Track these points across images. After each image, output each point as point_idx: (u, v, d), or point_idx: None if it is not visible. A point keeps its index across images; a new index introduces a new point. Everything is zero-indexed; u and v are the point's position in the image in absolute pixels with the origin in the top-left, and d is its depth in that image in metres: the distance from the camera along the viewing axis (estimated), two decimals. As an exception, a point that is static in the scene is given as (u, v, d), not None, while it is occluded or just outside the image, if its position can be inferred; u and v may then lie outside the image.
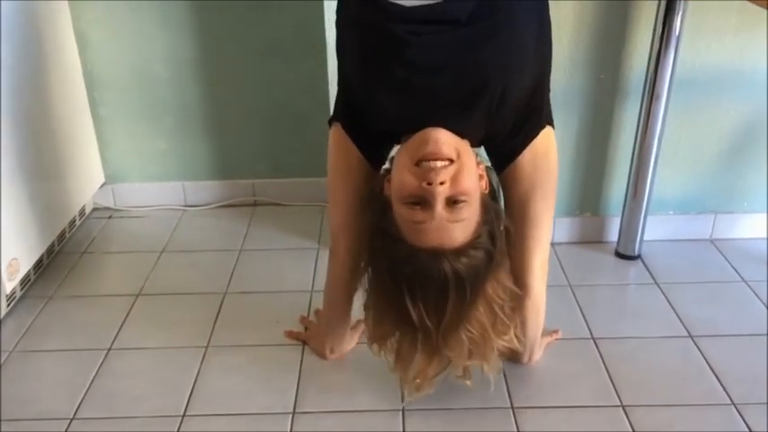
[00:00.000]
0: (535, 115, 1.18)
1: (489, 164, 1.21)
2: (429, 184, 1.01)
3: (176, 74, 2.00)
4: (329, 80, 1.58)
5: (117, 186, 2.13)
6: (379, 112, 1.14)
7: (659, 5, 1.58)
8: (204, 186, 2.15)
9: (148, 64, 1.99)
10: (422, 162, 1.03)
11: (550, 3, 1.61)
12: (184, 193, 2.15)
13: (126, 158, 2.11)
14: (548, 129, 1.21)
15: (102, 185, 2.10)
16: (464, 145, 1.10)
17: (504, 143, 1.19)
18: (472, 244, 1.06)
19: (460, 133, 1.10)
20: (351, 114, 1.21)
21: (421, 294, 1.06)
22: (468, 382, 1.22)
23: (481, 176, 1.11)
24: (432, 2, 1.05)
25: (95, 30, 1.94)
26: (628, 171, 1.78)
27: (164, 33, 1.95)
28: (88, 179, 2.02)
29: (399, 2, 1.06)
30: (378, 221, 1.11)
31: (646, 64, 1.65)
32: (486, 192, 1.13)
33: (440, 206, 1.02)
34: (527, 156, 1.18)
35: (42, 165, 1.77)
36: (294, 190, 2.12)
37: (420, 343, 1.12)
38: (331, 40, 1.44)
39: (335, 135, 1.24)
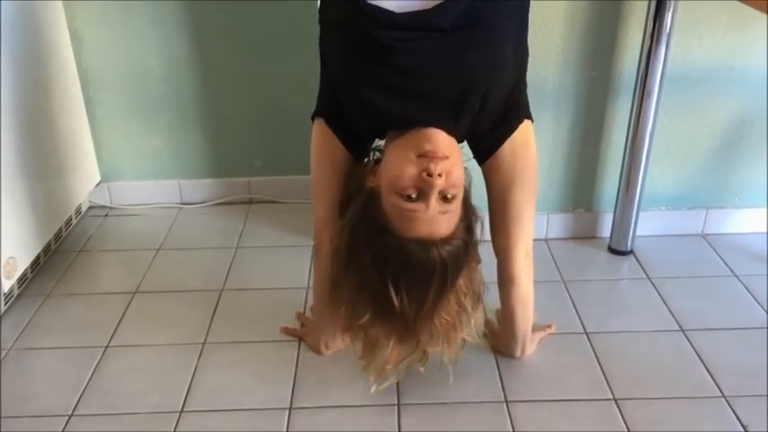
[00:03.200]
0: (513, 111, 1.22)
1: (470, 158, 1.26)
2: (429, 175, 1.05)
3: (171, 72, 2.01)
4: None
5: (113, 185, 2.13)
6: (365, 108, 1.16)
7: (650, 3, 1.59)
8: (200, 184, 2.16)
9: (143, 62, 1.99)
10: (421, 157, 1.08)
11: (542, 1, 1.64)
12: (180, 192, 2.16)
13: (121, 157, 2.12)
14: (526, 122, 1.24)
15: (98, 184, 2.11)
16: (454, 142, 1.14)
17: (485, 137, 1.23)
18: (454, 234, 1.10)
19: (449, 131, 1.13)
20: (334, 110, 1.23)
21: (405, 282, 1.10)
22: (422, 369, 1.26)
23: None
24: (419, 9, 1.07)
25: (89, 29, 1.94)
26: (620, 167, 1.79)
27: (158, 32, 1.96)
28: (84, 178, 2.03)
29: (387, 8, 1.08)
30: (362, 213, 1.14)
31: (637, 61, 1.67)
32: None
33: (434, 197, 1.07)
34: (507, 148, 1.22)
35: (38, 164, 1.77)
36: (289, 187, 2.13)
37: (396, 330, 1.17)
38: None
39: (318, 130, 1.27)
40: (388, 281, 1.10)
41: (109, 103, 2.05)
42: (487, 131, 1.21)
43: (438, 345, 1.22)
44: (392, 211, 1.10)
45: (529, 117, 1.25)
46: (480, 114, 1.16)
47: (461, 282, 1.17)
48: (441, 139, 1.10)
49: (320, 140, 1.27)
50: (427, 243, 1.08)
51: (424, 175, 1.06)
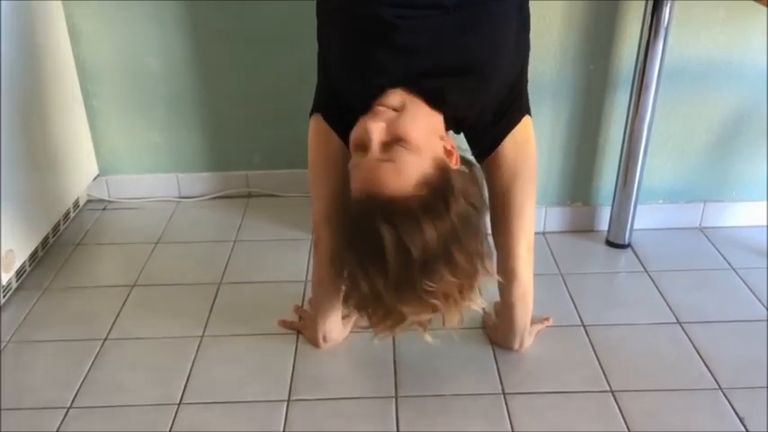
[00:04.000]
0: (515, 104, 1.22)
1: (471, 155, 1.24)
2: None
3: (169, 66, 2.01)
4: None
5: (111, 178, 2.13)
6: (366, 93, 1.14)
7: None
8: (198, 178, 2.15)
9: (141, 56, 1.99)
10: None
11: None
12: (178, 185, 2.16)
13: (119, 150, 2.11)
14: (526, 118, 1.25)
15: (96, 177, 2.11)
16: (417, 102, 1.11)
17: (486, 131, 1.22)
18: (408, 194, 1.04)
19: (439, 104, 1.12)
20: (332, 105, 1.23)
21: (360, 251, 1.08)
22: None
23: (450, 152, 1.12)
24: None
25: (87, 23, 1.94)
26: (618, 161, 1.80)
27: (156, 27, 1.95)
28: (82, 171, 2.03)
29: None
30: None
31: (635, 55, 1.67)
32: (456, 168, 1.12)
33: (375, 144, 1.06)
34: (508, 144, 1.22)
35: (37, 157, 1.78)
36: (287, 181, 2.13)
37: (371, 306, 1.11)
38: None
39: (315, 125, 1.27)
40: (349, 250, 1.09)
41: (107, 97, 2.04)
42: (489, 124, 1.21)
43: (431, 315, 1.14)
44: (350, 172, 1.11)
45: (529, 113, 1.26)
46: (477, 97, 1.15)
47: (458, 258, 1.07)
48: (393, 96, 1.09)
49: (317, 136, 1.28)
50: (372, 206, 1.04)
51: (366, 125, 1.07)
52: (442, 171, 1.08)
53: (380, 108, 1.09)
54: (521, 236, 1.28)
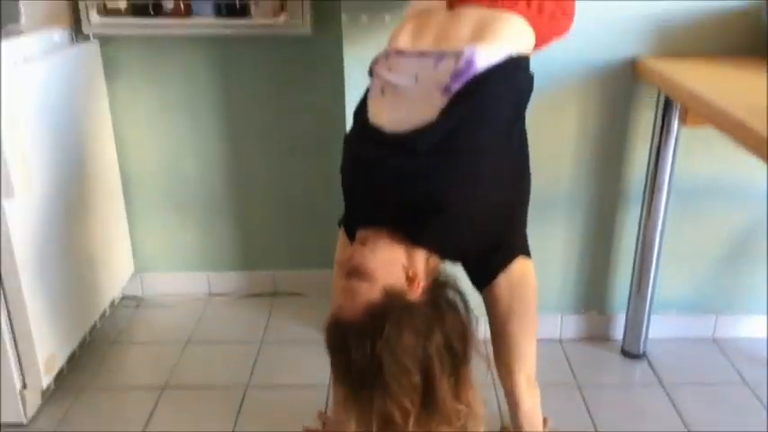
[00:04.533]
0: (507, 247, 1.25)
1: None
2: None
3: (205, 171, 2.14)
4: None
5: (145, 275, 2.24)
6: (364, 219, 1.26)
7: (656, 119, 1.70)
8: (227, 276, 2.25)
9: (179, 160, 2.13)
10: None
11: (555, 115, 1.74)
12: (209, 283, 2.26)
13: (155, 249, 2.23)
14: (522, 259, 1.26)
15: (132, 275, 2.21)
16: (379, 236, 1.19)
17: (478, 266, 1.27)
18: (355, 324, 1.12)
19: (406, 234, 1.19)
20: (348, 219, 1.34)
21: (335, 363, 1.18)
22: None
23: (412, 281, 1.17)
24: (406, 130, 1.17)
25: (133, 131, 2.09)
26: (631, 271, 1.87)
27: (196, 135, 2.10)
28: (120, 270, 2.14)
29: (383, 127, 1.20)
30: None
31: (645, 172, 1.77)
32: (416, 295, 1.16)
33: (343, 272, 1.19)
34: (502, 282, 1.25)
35: (79, 258, 1.88)
36: (312, 281, 2.22)
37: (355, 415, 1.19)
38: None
39: (340, 236, 1.38)
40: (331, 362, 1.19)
41: (146, 199, 2.18)
42: (481, 260, 1.25)
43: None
44: None
45: (526, 253, 1.28)
46: (455, 236, 1.20)
47: (387, 374, 1.10)
48: (365, 230, 1.22)
49: (339, 246, 1.38)
50: (335, 327, 1.15)
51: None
52: (390, 298, 1.14)
53: (358, 240, 1.22)
54: (519, 370, 1.30)
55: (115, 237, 2.11)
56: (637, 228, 1.83)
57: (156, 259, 2.24)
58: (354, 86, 1.68)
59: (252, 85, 2.05)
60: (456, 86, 1.15)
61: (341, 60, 1.74)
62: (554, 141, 1.79)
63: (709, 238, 1.89)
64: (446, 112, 1.15)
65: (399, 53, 1.24)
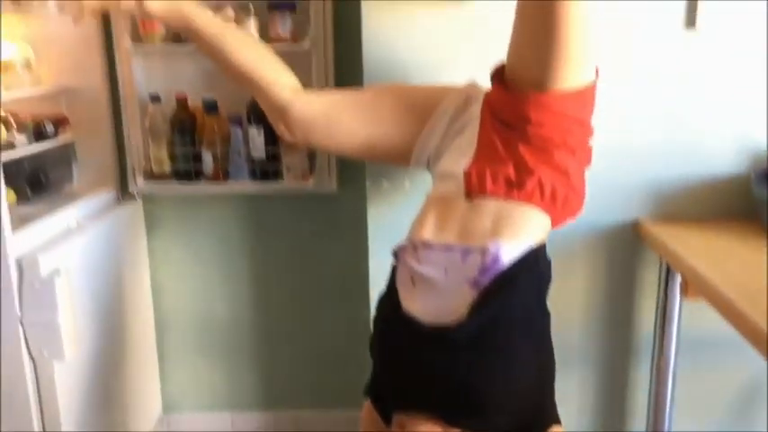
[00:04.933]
0: (539, 419, 1.31)
1: None
2: None
3: (235, 317, 2.27)
4: (370, 326, 1.79)
5: (171, 417, 2.31)
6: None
7: (660, 278, 1.80)
8: (250, 417, 2.32)
9: (211, 309, 2.26)
10: None
11: (564, 269, 1.84)
12: (232, 424, 2.32)
13: (183, 390, 2.32)
14: (556, 428, 1.32)
15: (159, 417, 2.29)
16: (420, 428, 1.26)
17: None
18: None
19: (449, 422, 1.25)
20: (377, 387, 1.40)
21: None
22: None
23: None
24: (443, 323, 1.24)
25: (169, 280, 2.24)
26: (645, 423, 1.90)
27: (226, 282, 2.25)
28: (148, 411, 2.22)
29: (418, 317, 1.26)
30: None
31: (653, 328, 1.84)
32: None
33: None
34: None
35: (111, 398, 1.96)
36: (333, 421, 2.28)
37: None
38: (372, 293, 1.71)
39: (366, 410, 1.43)
40: None
41: (177, 341, 2.29)
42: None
43: None
44: None
45: (557, 422, 1.33)
46: (488, 418, 1.26)
47: None
48: (404, 422, 1.27)
49: (365, 420, 1.44)
50: None
51: None
52: None
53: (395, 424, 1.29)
54: None
55: (146, 379, 2.20)
56: (648, 379, 1.87)
57: (183, 400, 2.32)
58: (375, 239, 1.79)
59: (280, 237, 2.21)
60: (484, 281, 1.22)
61: (364, 216, 1.87)
62: (563, 301, 1.87)
63: (721, 390, 1.92)
64: (478, 309, 1.22)
65: (426, 245, 1.30)
